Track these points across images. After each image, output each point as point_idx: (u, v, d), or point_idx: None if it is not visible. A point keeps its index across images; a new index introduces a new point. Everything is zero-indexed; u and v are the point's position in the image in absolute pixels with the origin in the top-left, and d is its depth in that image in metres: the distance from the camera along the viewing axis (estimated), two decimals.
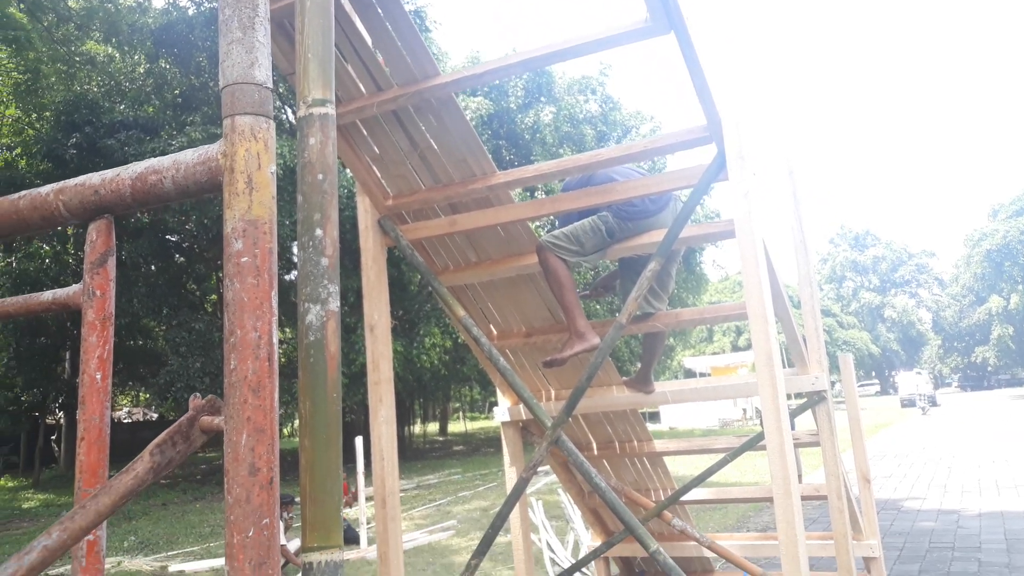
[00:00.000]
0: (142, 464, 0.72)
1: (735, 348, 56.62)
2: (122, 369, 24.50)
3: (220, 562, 9.53)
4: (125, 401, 29.83)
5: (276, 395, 0.72)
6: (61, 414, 25.61)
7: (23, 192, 0.87)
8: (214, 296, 24.09)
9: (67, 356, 23.69)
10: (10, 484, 22.42)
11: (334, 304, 1.61)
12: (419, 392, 28.04)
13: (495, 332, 4.81)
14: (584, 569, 6.45)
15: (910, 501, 10.93)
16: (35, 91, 19.27)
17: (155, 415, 32.57)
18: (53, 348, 22.84)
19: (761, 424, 3.15)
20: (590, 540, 6.05)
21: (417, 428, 34.89)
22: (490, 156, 3.92)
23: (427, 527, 11.30)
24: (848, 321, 73.94)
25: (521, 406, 4.86)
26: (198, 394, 0.79)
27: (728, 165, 3.27)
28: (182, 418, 0.77)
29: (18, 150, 20.16)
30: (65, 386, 23.74)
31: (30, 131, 20.14)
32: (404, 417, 29.49)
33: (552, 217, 4.38)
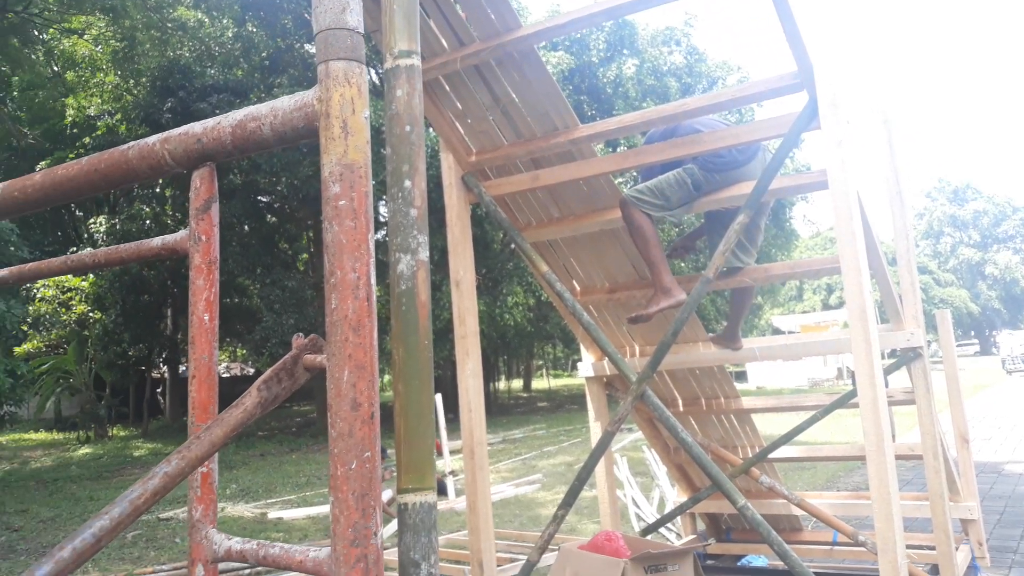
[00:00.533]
0: (250, 399, 0.76)
1: (826, 306, 55.11)
2: (220, 325, 25.51)
3: (315, 510, 9.94)
4: (223, 356, 31.17)
5: (375, 333, 0.75)
6: (165, 368, 26.93)
7: (132, 143, 0.91)
8: (305, 255, 24.77)
9: (169, 313, 24.81)
10: (122, 433, 23.80)
11: (424, 254, 1.64)
12: (503, 349, 28.33)
13: (578, 288, 4.81)
14: (670, 524, 6.47)
15: (1012, 465, 10.53)
16: (132, 58, 19.96)
17: (252, 370, 33.91)
18: (156, 305, 23.95)
19: (854, 383, 3.07)
20: (675, 496, 6.05)
21: (501, 384, 35.36)
22: (572, 110, 3.89)
23: (513, 480, 11.49)
24: (945, 279, 70.88)
25: (605, 362, 4.86)
26: (300, 334, 0.82)
27: (820, 113, 3.16)
28: (286, 356, 0.81)
29: (118, 115, 20.99)
30: (168, 341, 24.93)
31: (128, 97, 20.92)
32: (488, 373, 29.89)
33: (635, 171, 4.32)
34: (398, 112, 1.43)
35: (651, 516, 7.52)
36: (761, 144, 3.88)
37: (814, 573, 3.41)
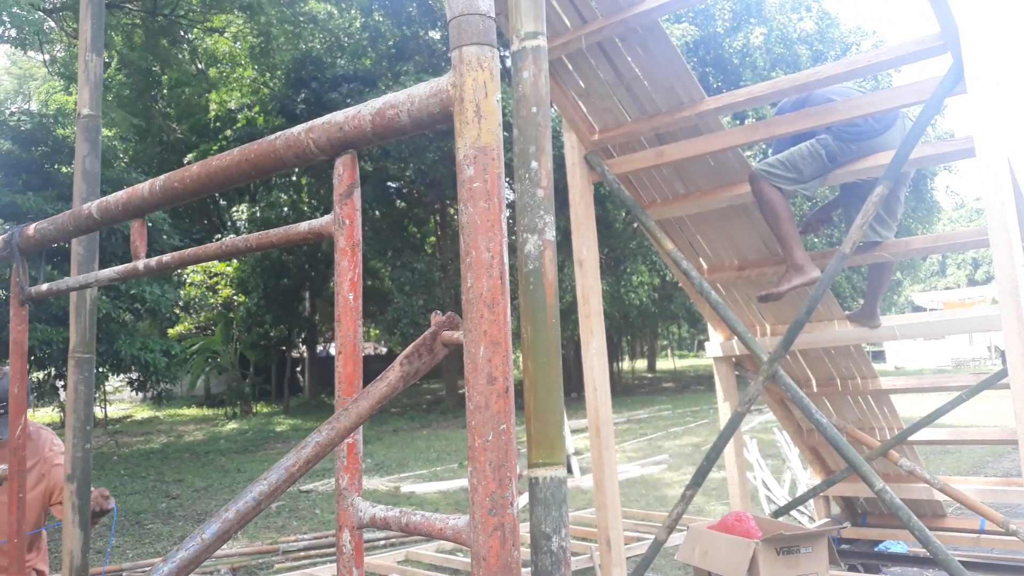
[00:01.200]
0: (394, 373, 0.80)
1: (972, 282, 51.68)
2: None
3: (446, 485, 10.24)
4: None
5: (508, 311, 0.77)
6: (303, 348, 28.27)
7: (278, 133, 0.97)
8: (432, 238, 25.35)
9: (306, 296, 26.00)
10: (265, 410, 25.20)
11: (550, 234, 1.66)
12: (626, 329, 28.14)
13: (705, 266, 4.72)
14: (802, 508, 6.29)
15: None
16: (267, 52, 20.90)
17: (384, 349, 35.11)
18: (294, 289, 25.15)
19: (1004, 362, 2.88)
20: (808, 479, 5.87)
21: (625, 365, 35.16)
22: (698, 83, 3.80)
23: (639, 460, 11.45)
24: None
25: (734, 341, 4.76)
26: (438, 311, 0.86)
27: (966, 76, 2.96)
28: (426, 332, 0.85)
29: (256, 108, 22.06)
30: (306, 323, 26.15)
31: (265, 90, 21.95)
32: (612, 353, 29.75)
33: (764, 144, 4.18)
34: (524, 94, 1.45)
35: (782, 499, 7.33)
36: (900, 112, 3.67)
37: (959, 562, 3.25)
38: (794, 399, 3.67)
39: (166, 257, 1.22)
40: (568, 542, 1.55)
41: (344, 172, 0.92)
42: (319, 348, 29.70)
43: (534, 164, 1.63)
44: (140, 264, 1.27)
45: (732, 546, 2.92)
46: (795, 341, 3.72)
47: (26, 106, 28.23)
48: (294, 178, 23.33)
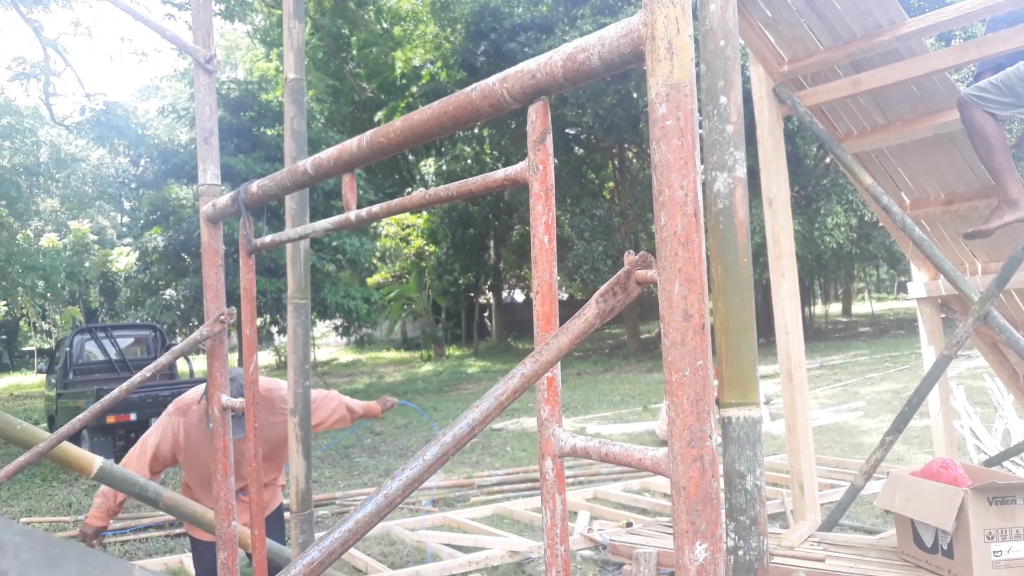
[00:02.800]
0: (590, 310, 0.84)
1: None
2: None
3: (631, 427, 10.34)
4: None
5: (703, 248, 0.78)
6: (490, 294, 29.19)
7: (474, 85, 1.02)
8: (611, 183, 25.18)
9: (491, 245, 26.75)
10: (456, 353, 26.37)
11: (741, 171, 1.63)
12: (819, 272, 26.77)
13: (908, 201, 4.41)
14: (1016, 459, 5.82)
15: None
16: (447, 6, 21.32)
17: (565, 295, 35.58)
18: (480, 238, 25.94)
19: None
20: None
21: (818, 309, 33.53)
22: (898, 2, 3.52)
23: (833, 406, 10.99)
24: None
25: (940, 280, 4.44)
26: (631, 251, 0.88)
27: None
28: (619, 272, 0.87)
29: (439, 63, 22.65)
30: (491, 270, 26.95)
31: (446, 44, 22.45)
32: (804, 297, 28.45)
33: (974, 66, 3.80)
34: (712, 28, 1.42)
35: (993, 449, 6.81)
36: None
37: None
38: (1009, 342, 3.39)
39: (375, 208, 1.31)
40: (762, 481, 1.55)
41: (537, 119, 0.96)
42: (504, 294, 30.56)
43: (723, 99, 1.60)
44: (352, 215, 1.38)
45: (938, 493, 2.76)
46: (1010, 279, 3.42)
47: (234, 75, 30.58)
48: (476, 131, 23.85)
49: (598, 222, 20.04)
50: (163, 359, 1.83)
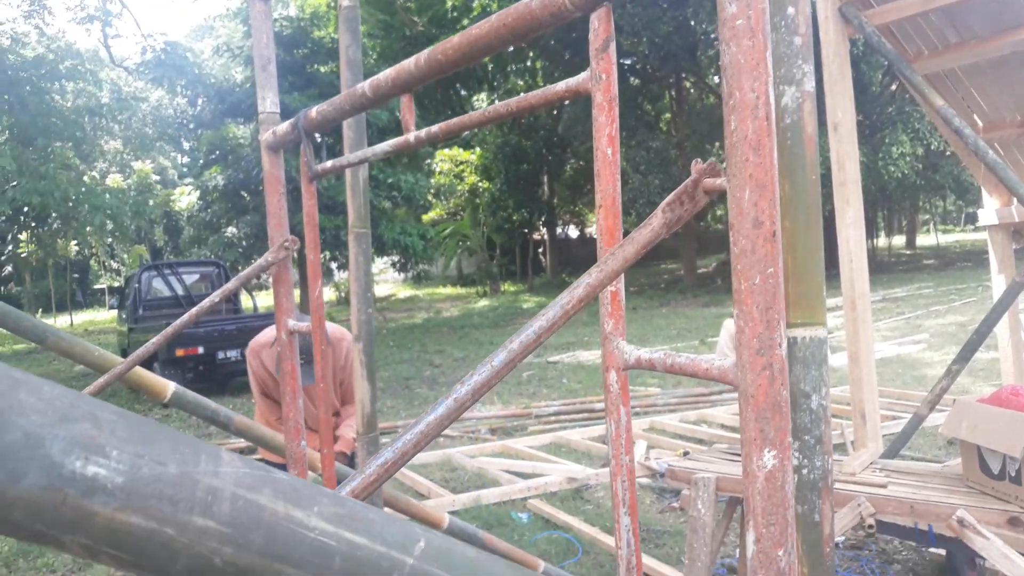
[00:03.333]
0: (656, 219, 0.83)
1: None
2: (589, 190, 26.80)
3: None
4: (594, 218, 32.76)
5: (775, 153, 0.76)
6: (544, 230, 29.12)
7: None
8: (667, 115, 24.68)
9: (545, 180, 26.56)
10: (511, 288, 26.51)
11: (809, 84, 1.58)
12: (883, 203, 26.02)
13: (981, 123, 4.23)
14: None
15: None
16: None
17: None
18: (534, 174, 25.76)
19: None
20: None
21: (881, 241, 32.66)
22: None
23: (895, 339, 10.79)
24: None
25: (1013, 206, 4.27)
26: (699, 160, 0.86)
27: None
28: (687, 181, 0.86)
29: None
30: (545, 206, 26.82)
31: None
32: (867, 229, 27.71)
33: None
34: None
35: None
36: None
37: None
38: None
39: (434, 128, 1.31)
40: (828, 401, 1.54)
41: (599, 26, 0.94)
42: (558, 230, 30.42)
43: (791, 10, 1.53)
44: (411, 136, 1.38)
45: (1007, 420, 2.71)
46: None
47: (286, 12, 30.42)
48: (527, 63, 23.49)
49: (654, 155, 19.70)
50: (231, 284, 1.87)
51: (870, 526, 2.90)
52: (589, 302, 0.83)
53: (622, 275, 1.07)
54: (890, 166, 18.20)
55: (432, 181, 22.57)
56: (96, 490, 0.40)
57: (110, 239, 24.58)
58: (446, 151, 24.97)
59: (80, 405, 0.42)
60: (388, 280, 34.50)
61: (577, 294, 0.79)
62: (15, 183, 13.75)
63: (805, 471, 1.47)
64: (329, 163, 1.70)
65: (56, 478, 0.39)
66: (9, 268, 29.04)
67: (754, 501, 0.82)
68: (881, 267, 25.17)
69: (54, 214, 15.66)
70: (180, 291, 11.57)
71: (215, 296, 1.95)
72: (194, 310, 2.08)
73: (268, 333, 3.74)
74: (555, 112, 24.68)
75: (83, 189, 13.90)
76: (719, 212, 26.91)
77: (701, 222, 26.55)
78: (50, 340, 2.38)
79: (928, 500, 2.78)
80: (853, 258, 3.85)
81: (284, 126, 1.77)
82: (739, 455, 3.58)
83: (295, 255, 1.91)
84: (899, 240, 37.49)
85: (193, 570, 0.42)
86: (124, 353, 11.78)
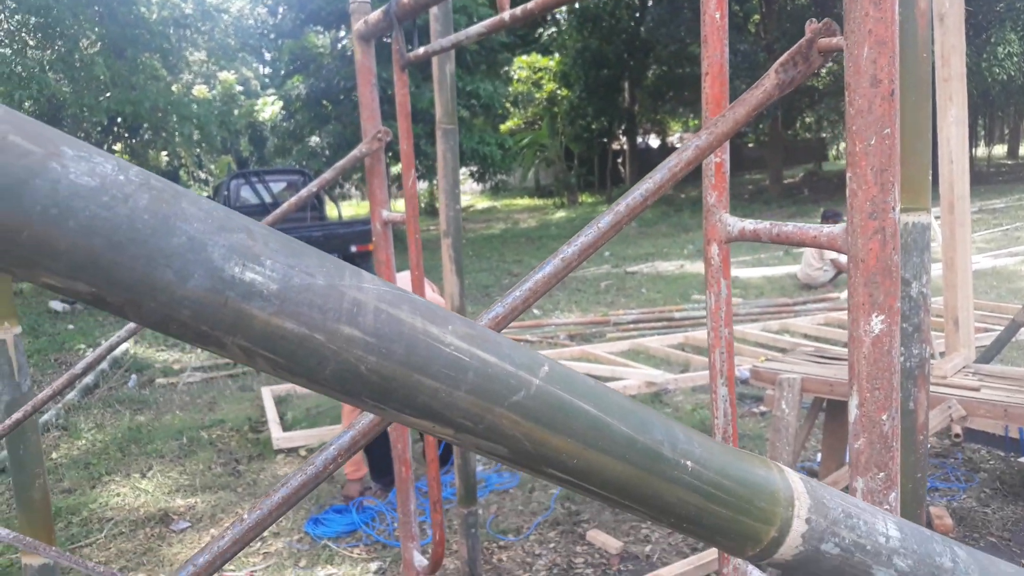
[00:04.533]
0: (769, 80, 0.81)
1: None
2: (672, 97, 26.03)
3: (771, 271, 10.17)
4: (677, 127, 31.90)
5: (896, 7, 0.73)
6: (624, 140, 28.54)
7: None
8: (756, 16, 23.55)
9: (625, 87, 25.86)
10: (589, 200, 26.27)
11: None
12: (984, 109, 24.53)
13: None
14: None
15: None
16: None
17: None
18: (614, 80, 25.08)
19: None
20: None
21: (980, 150, 30.94)
22: None
23: (991, 251, 10.34)
24: None
25: None
26: (813, 19, 0.83)
27: None
28: (800, 41, 0.83)
29: None
30: (625, 115, 26.20)
31: None
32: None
33: None
34: None
35: None
36: None
37: None
38: None
39: (530, 4, 1.29)
40: (928, 289, 1.50)
41: None
42: (639, 140, 29.77)
43: None
44: (505, 15, 1.36)
45: None
46: None
47: None
48: None
49: (741, 58, 18.91)
50: (327, 175, 1.91)
51: (956, 435, 2.86)
52: (696, 165, 0.83)
53: (727, 146, 1.06)
54: (995, 67, 17.07)
55: (510, 89, 22.25)
56: (253, 295, 0.43)
57: (197, 149, 25.25)
58: (524, 57, 24.50)
59: (234, 218, 0.44)
60: (466, 191, 34.61)
61: (686, 156, 0.78)
62: (109, 94, 14.16)
63: (902, 359, 1.45)
64: (421, 49, 1.69)
65: (218, 281, 0.42)
66: None
67: (859, 366, 0.81)
68: (980, 177, 23.93)
69: (145, 124, 16.11)
70: (267, 198, 11.87)
71: (312, 187, 2.00)
72: (284, 206, 2.14)
73: None
74: (638, 14, 23.83)
75: (171, 99, 14.22)
76: (808, 120, 25.82)
77: (789, 130, 25.56)
78: None
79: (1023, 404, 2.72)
80: (954, 158, 3.68)
81: (376, 14, 1.77)
82: (825, 358, 3.54)
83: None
84: (1000, 150, 35.45)
85: (340, 376, 0.45)
86: None
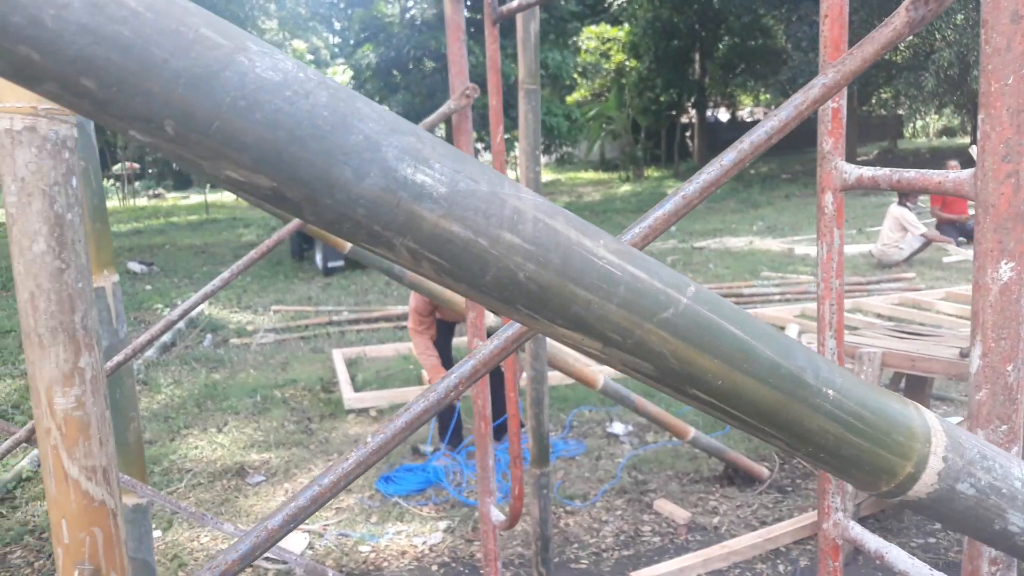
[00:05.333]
0: (899, 18, 0.78)
1: None
2: (743, 69, 25.41)
3: (845, 249, 9.90)
4: (747, 100, 31.18)
5: None
6: (693, 113, 28.02)
7: None
8: None
9: (696, 58, 25.35)
10: (655, 174, 25.94)
11: None
12: None
13: None
14: None
15: None
16: None
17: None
18: (684, 51, 24.61)
19: None
20: None
21: None
22: None
23: None
24: None
25: None
26: None
27: None
28: None
29: None
30: (695, 87, 25.70)
31: None
32: None
33: None
34: None
35: None
36: None
37: None
38: None
39: None
40: None
41: None
42: (708, 113, 29.19)
43: None
44: None
45: None
46: None
47: None
48: None
49: (818, 29, 18.33)
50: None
51: None
52: (822, 104, 0.81)
53: (845, 92, 1.03)
54: None
55: (578, 59, 22.03)
56: (424, 196, 0.43)
57: None
58: (593, 27, 24.20)
59: (403, 121, 0.45)
60: None
61: (812, 95, 0.76)
62: None
63: None
64: (515, 2, 1.69)
65: (392, 181, 0.43)
66: None
67: (984, 315, 0.79)
68: None
69: None
70: None
71: None
72: None
73: None
74: None
75: None
76: (884, 96, 24.96)
77: (864, 107, 24.77)
78: None
79: None
80: None
81: None
82: (906, 333, 3.45)
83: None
84: None
85: (500, 282, 0.46)
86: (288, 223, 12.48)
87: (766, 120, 0.77)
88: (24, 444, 2.34)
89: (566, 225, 0.48)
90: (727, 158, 0.76)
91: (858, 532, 1.01)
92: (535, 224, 0.46)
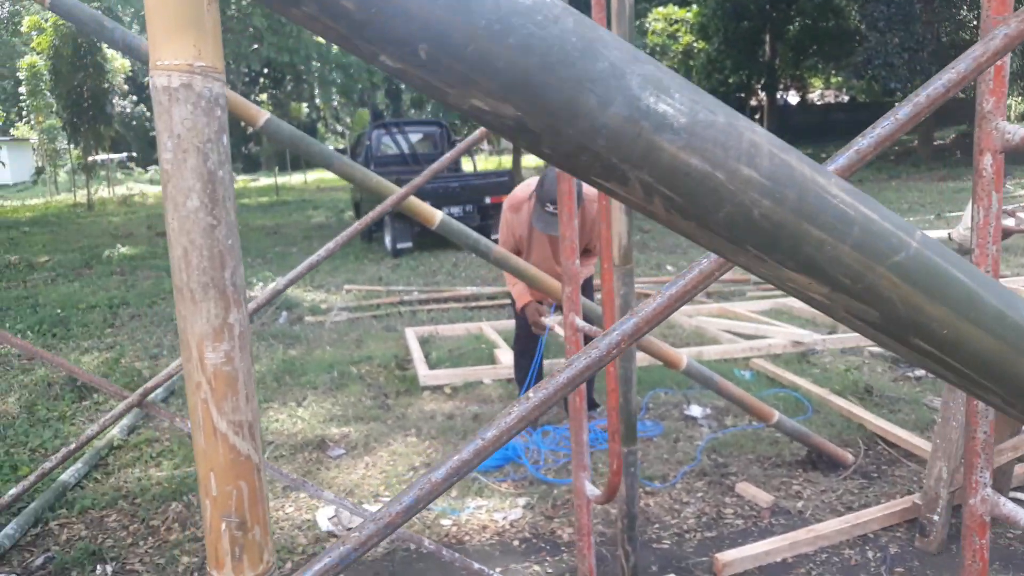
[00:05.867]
0: None
1: None
2: (815, 51, 24.74)
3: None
4: (818, 83, 30.36)
5: None
6: (763, 95, 27.40)
7: None
8: None
9: (767, 39, 24.76)
10: None
11: None
12: None
13: None
14: None
15: None
16: None
17: (846, 97, 32.56)
18: (755, 32, 24.05)
19: None
20: None
21: None
22: None
23: None
24: None
25: None
26: None
27: None
28: None
29: None
30: (765, 69, 25.13)
31: None
32: None
33: None
34: None
35: None
36: None
37: None
38: None
39: None
40: None
41: None
42: (778, 95, 28.51)
43: None
44: None
45: None
46: None
47: None
48: None
49: (895, 9, 17.74)
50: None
51: None
52: (1002, 56, 0.76)
53: (1009, 56, 0.98)
54: None
55: (646, 41, 21.74)
56: (665, 127, 0.42)
57: (335, 102, 26.01)
58: (660, 9, 23.83)
59: (640, 53, 0.44)
60: None
61: (993, 45, 0.72)
62: (256, 46, 14.74)
63: None
64: None
65: (635, 110, 0.41)
66: (251, 130, 31.76)
67: None
68: None
69: (288, 76, 16.70)
70: (406, 149, 12.14)
71: (463, 146, 2.04)
72: (452, 152, 2.20)
73: (525, 188, 3.90)
74: None
75: (321, 50, 14.67)
76: None
77: None
78: (336, 164, 2.59)
79: None
80: None
81: None
82: None
83: None
84: None
85: (733, 219, 0.44)
86: (357, 206, 12.65)
87: (941, 74, 0.74)
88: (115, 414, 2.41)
89: (799, 161, 0.46)
90: (902, 112, 0.73)
91: (1011, 508, 0.97)
92: (771, 159, 0.44)
